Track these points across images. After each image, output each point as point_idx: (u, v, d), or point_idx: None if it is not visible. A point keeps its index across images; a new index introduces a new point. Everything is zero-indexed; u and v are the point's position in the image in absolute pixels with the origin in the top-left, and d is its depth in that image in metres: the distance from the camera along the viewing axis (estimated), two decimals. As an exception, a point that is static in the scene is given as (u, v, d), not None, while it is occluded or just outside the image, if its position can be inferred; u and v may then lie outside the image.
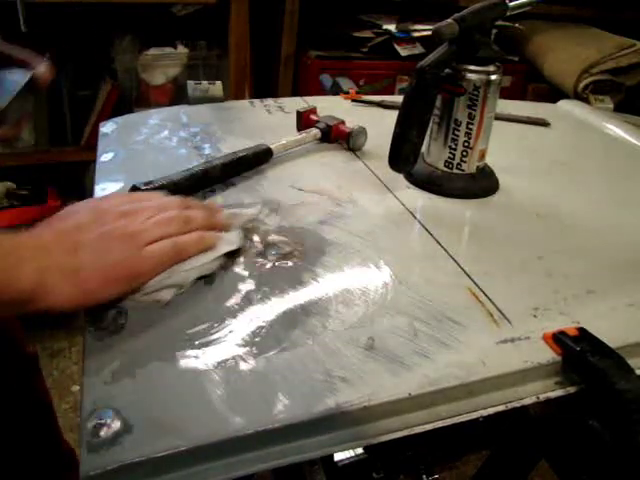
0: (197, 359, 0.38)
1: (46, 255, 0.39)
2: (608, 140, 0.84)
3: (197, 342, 0.39)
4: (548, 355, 0.40)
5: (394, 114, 0.60)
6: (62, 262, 0.39)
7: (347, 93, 0.94)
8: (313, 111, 0.76)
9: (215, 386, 0.36)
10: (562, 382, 0.40)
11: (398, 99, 0.68)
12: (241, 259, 0.49)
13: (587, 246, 0.55)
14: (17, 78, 0.59)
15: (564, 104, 0.98)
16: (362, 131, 0.72)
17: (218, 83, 0.86)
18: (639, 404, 0.36)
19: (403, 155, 0.61)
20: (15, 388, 0.70)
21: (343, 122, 0.73)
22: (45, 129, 1.59)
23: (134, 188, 0.56)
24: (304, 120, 0.75)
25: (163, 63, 1.63)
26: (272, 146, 0.67)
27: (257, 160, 0.65)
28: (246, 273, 0.47)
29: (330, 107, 0.80)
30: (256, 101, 0.90)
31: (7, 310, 0.40)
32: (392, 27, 1.74)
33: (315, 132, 0.73)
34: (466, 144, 0.61)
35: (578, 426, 0.42)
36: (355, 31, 1.77)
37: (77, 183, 1.72)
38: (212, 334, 0.40)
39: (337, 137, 0.73)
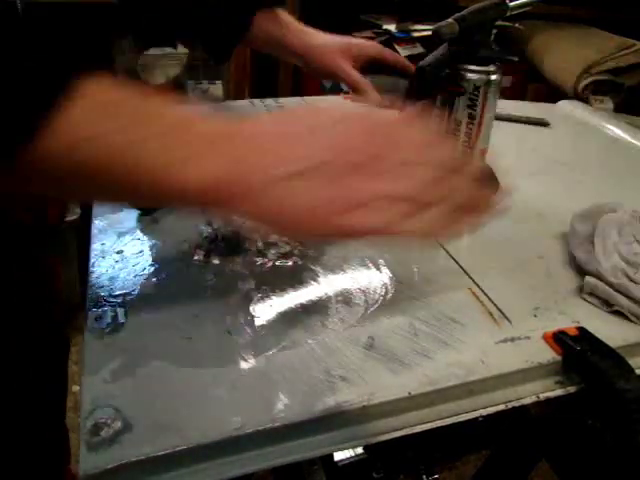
0: (197, 358, 0.38)
1: (242, 156, 0.33)
2: (608, 140, 0.84)
3: (197, 341, 0.39)
4: (548, 355, 0.40)
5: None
6: (251, 168, 0.32)
7: (347, 93, 0.94)
8: None
9: (215, 385, 0.36)
10: (562, 382, 0.40)
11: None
12: (241, 257, 0.49)
13: (587, 246, 0.55)
14: None
15: (564, 104, 0.98)
16: None
17: (218, 83, 0.86)
18: (639, 404, 0.36)
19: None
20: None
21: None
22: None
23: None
24: None
25: (163, 63, 1.63)
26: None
27: None
28: (246, 272, 0.47)
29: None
30: (256, 101, 0.90)
31: (184, 201, 0.34)
32: (392, 27, 1.75)
33: None
34: (466, 144, 0.61)
35: (578, 426, 0.42)
36: (355, 31, 1.77)
37: (77, 183, 1.71)
38: (212, 333, 0.40)
39: None
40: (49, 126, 0.28)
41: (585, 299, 0.46)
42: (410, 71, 0.71)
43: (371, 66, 0.77)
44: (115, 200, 0.47)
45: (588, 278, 0.47)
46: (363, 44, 0.78)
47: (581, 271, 0.49)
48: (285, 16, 0.75)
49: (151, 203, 0.48)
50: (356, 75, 0.74)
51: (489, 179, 0.60)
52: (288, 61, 0.81)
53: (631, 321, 0.44)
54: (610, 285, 0.45)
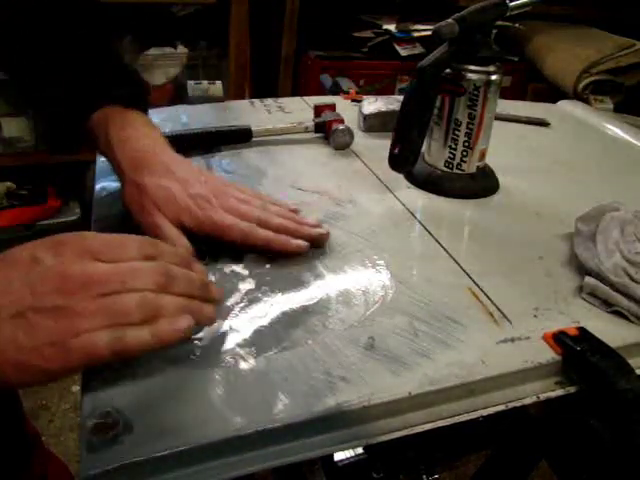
0: (197, 358, 0.38)
1: None
2: (608, 140, 0.84)
3: (197, 341, 0.39)
4: (548, 355, 0.40)
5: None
6: None
7: (347, 93, 0.94)
8: (330, 107, 0.76)
9: (215, 386, 0.36)
10: (562, 382, 0.40)
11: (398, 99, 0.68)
12: (240, 259, 0.49)
13: (587, 246, 0.55)
14: None
15: (564, 104, 0.98)
16: (346, 130, 0.72)
17: (218, 83, 0.86)
18: (639, 404, 0.36)
19: (403, 155, 0.61)
20: None
21: (342, 120, 0.73)
22: (45, 129, 1.59)
23: None
24: (317, 114, 0.76)
25: (163, 63, 1.63)
26: (254, 128, 0.71)
27: (236, 136, 0.70)
28: (246, 272, 0.47)
29: (330, 107, 0.80)
30: (256, 101, 0.90)
31: None
32: (392, 27, 1.75)
33: (307, 125, 0.73)
34: (466, 144, 0.61)
35: (578, 426, 0.42)
36: (355, 31, 1.77)
37: (77, 183, 1.72)
38: (212, 333, 0.40)
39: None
40: None
41: (585, 299, 0.46)
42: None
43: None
44: None
45: (588, 278, 0.47)
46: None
47: (581, 271, 0.49)
48: (125, 122, 0.55)
49: None
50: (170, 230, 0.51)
51: (489, 179, 0.60)
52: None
53: (631, 321, 0.44)
54: (611, 284, 0.45)
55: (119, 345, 0.33)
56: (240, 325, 0.41)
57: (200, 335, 0.40)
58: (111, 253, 0.36)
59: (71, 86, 0.57)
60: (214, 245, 0.48)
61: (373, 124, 0.79)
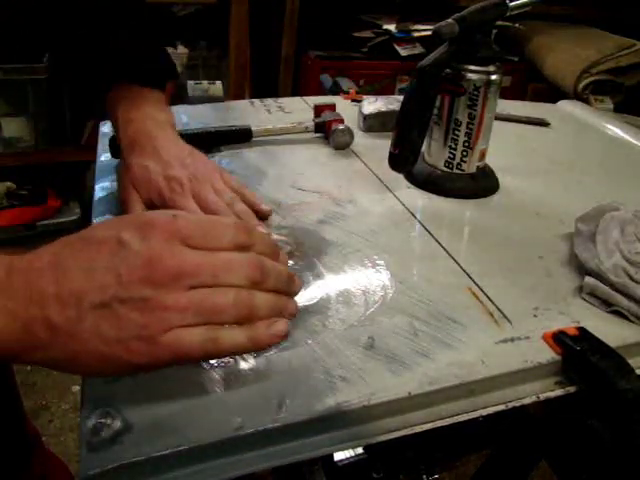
0: (197, 359, 0.38)
1: (38, 305, 0.30)
2: (608, 140, 0.84)
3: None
4: (548, 355, 0.40)
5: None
6: (55, 319, 0.30)
7: (347, 93, 0.94)
8: (330, 107, 0.76)
9: (215, 386, 0.36)
10: (562, 382, 0.40)
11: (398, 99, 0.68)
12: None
13: (587, 246, 0.55)
14: None
15: (564, 104, 0.98)
16: (346, 130, 0.72)
17: (218, 83, 0.86)
18: (639, 404, 0.36)
19: (403, 155, 0.61)
20: None
21: (342, 120, 0.73)
22: (45, 129, 1.59)
23: (114, 140, 0.58)
24: (317, 114, 0.76)
25: (163, 63, 1.63)
26: (254, 128, 0.72)
27: (236, 136, 0.71)
28: (246, 273, 0.47)
29: (330, 107, 0.80)
30: (256, 101, 0.90)
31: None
32: (392, 27, 1.75)
33: (307, 125, 0.73)
34: (466, 144, 0.61)
35: (578, 426, 0.42)
36: (355, 31, 1.77)
37: (77, 183, 1.72)
38: (212, 334, 0.40)
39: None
40: None
41: (585, 299, 0.46)
42: None
43: None
44: None
45: (588, 278, 0.47)
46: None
47: (581, 271, 0.49)
48: (136, 100, 0.58)
49: None
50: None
51: (489, 179, 0.60)
52: None
53: (631, 321, 0.44)
54: (611, 284, 0.45)
55: (212, 346, 0.32)
56: (240, 325, 0.41)
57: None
58: (203, 239, 0.33)
59: (92, 62, 0.59)
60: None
61: (373, 124, 0.79)
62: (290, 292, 0.37)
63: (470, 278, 0.48)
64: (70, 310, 0.30)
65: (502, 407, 0.39)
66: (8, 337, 0.30)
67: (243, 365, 0.37)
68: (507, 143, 0.77)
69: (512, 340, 0.41)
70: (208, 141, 0.70)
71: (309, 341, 0.40)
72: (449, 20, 0.55)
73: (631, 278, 0.45)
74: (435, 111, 0.61)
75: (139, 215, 0.36)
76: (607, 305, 0.45)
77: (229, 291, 0.33)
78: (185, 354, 0.31)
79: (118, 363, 0.31)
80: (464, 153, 0.61)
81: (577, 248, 0.50)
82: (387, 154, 0.62)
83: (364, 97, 0.89)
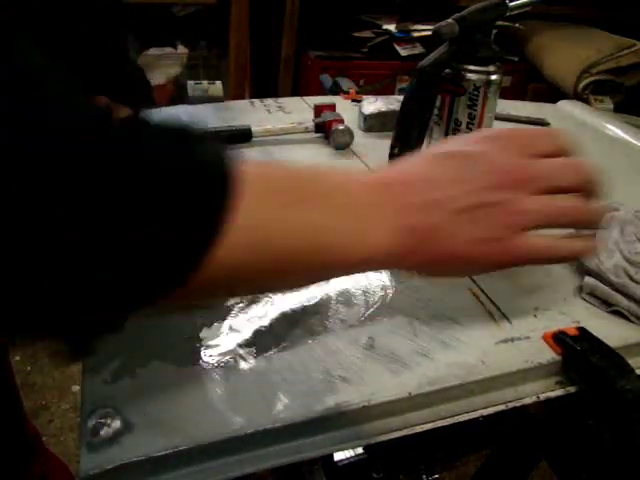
0: (197, 358, 0.38)
1: (404, 210, 0.33)
2: (608, 140, 0.84)
3: (197, 341, 0.39)
4: (548, 355, 0.40)
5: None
6: (418, 222, 0.33)
7: (347, 93, 0.94)
8: (330, 107, 0.76)
9: (215, 386, 0.36)
10: (562, 382, 0.40)
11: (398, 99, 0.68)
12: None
13: (587, 246, 0.55)
14: None
15: (564, 104, 0.98)
16: (346, 130, 0.72)
17: (218, 83, 0.86)
18: (639, 404, 0.36)
19: (403, 155, 0.61)
20: None
21: (342, 120, 0.73)
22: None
23: None
24: (317, 114, 0.76)
25: (163, 63, 1.63)
26: (254, 128, 0.71)
27: (236, 137, 0.71)
28: (246, 273, 0.47)
29: (330, 107, 0.80)
30: (256, 101, 0.90)
31: (350, 269, 0.35)
32: (392, 27, 1.75)
33: (307, 125, 0.73)
34: (466, 144, 0.61)
35: (578, 426, 0.42)
36: (355, 31, 1.77)
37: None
38: (212, 333, 0.40)
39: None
40: (226, 230, 0.26)
41: (585, 299, 0.46)
42: None
43: None
44: (293, 285, 0.40)
45: (587, 278, 0.47)
46: None
47: (581, 270, 0.49)
48: None
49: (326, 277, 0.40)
50: None
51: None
52: None
53: (631, 321, 0.44)
54: (610, 284, 0.45)
55: (553, 252, 0.37)
56: (240, 325, 0.41)
57: (200, 335, 0.40)
58: (536, 148, 0.38)
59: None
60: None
61: (373, 124, 0.79)
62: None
63: (470, 278, 0.48)
64: (434, 217, 0.34)
65: (502, 407, 0.39)
66: (385, 248, 0.33)
67: (243, 365, 0.37)
68: (507, 143, 0.77)
69: (512, 340, 0.41)
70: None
71: (309, 341, 0.40)
72: (449, 20, 0.55)
73: (631, 278, 0.45)
74: (435, 111, 0.61)
75: (488, 131, 0.43)
76: (607, 305, 0.45)
77: (567, 197, 0.37)
78: (533, 257, 0.36)
79: (479, 262, 0.35)
80: (464, 153, 0.61)
81: None
82: (387, 154, 0.62)
83: (364, 97, 0.89)
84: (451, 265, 0.35)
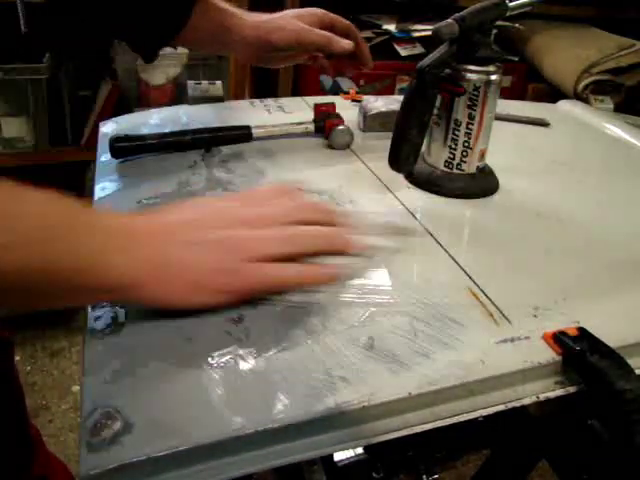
0: (197, 358, 0.38)
1: (138, 246, 0.37)
2: (608, 140, 0.84)
3: (197, 341, 0.39)
4: (548, 355, 0.40)
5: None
6: (152, 255, 0.37)
7: (347, 93, 0.94)
8: (330, 107, 0.76)
9: (215, 386, 0.36)
10: (562, 382, 0.40)
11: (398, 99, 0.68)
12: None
13: (587, 246, 0.55)
14: None
15: (564, 104, 0.98)
16: (346, 130, 0.71)
17: (218, 83, 0.86)
18: (639, 404, 0.36)
19: (403, 155, 0.61)
20: None
21: (342, 120, 0.73)
22: (45, 129, 1.59)
23: (114, 140, 0.61)
24: (317, 114, 0.76)
25: (163, 63, 1.63)
26: (254, 128, 0.72)
27: (236, 136, 0.71)
28: (246, 273, 0.47)
29: (330, 107, 0.80)
30: (256, 101, 0.90)
31: (90, 296, 0.38)
32: (392, 27, 1.74)
33: (306, 125, 0.73)
34: (466, 144, 0.61)
35: (578, 426, 0.42)
36: (355, 31, 1.77)
37: (77, 183, 1.72)
38: (212, 333, 0.40)
39: None
40: None
41: None
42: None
43: None
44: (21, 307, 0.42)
45: None
46: (314, 11, 0.73)
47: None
48: (222, 3, 0.69)
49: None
50: (320, 32, 0.68)
51: (489, 179, 0.60)
52: (238, 54, 0.74)
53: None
54: None
55: (286, 277, 0.41)
56: (240, 325, 0.41)
57: (200, 335, 0.40)
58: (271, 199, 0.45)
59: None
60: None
61: (373, 124, 0.79)
62: (333, 223, 0.45)
63: (470, 278, 0.48)
64: (169, 247, 0.38)
65: (502, 407, 0.39)
66: (117, 278, 0.36)
67: (243, 365, 0.37)
68: (507, 143, 0.77)
69: (512, 340, 0.41)
70: (208, 141, 0.70)
71: (309, 341, 0.40)
72: (449, 20, 0.55)
73: None
74: (435, 111, 0.61)
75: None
76: None
77: (309, 227, 0.43)
78: (269, 280, 0.40)
79: (217, 289, 0.39)
80: (464, 153, 0.61)
81: None
82: (387, 154, 0.62)
83: (364, 97, 0.89)
84: (190, 294, 0.38)
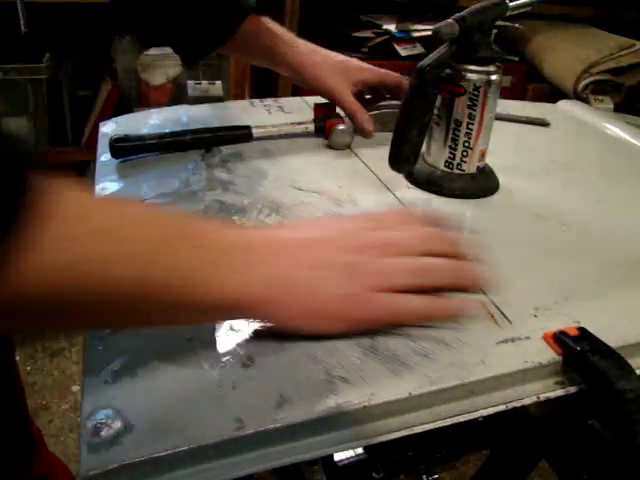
0: (197, 358, 0.38)
1: (257, 264, 0.34)
2: (608, 140, 0.84)
3: (197, 341, 0.39)
4: (548, 355, 0.40)
5: (394, 114, 0.60)
6: (273, 276, 0.35)
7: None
8: (330, 107, 0.76)
9: (215, 386, 0.36)
10: (562, 382, 0.40)
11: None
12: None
13: (587, 246, 0.55)
14: None
15: (564, 104, 0.98)
16: (346, 130, 0.71)
17: (218, 83, 0.86)
18: (639, 404, 0.36)
19: (403, 155, 0.61)
20: None
21: (342, 120, 0.73)
22: (45, 129, 1.59)
23: (114, 140, 0.62)
24: (317, 114, 0.76)
25: (163, 63, 1.63)
26: (254, 128, 0.71)
27: (236, 136, 0.71)
28: (246, 273, 0.47)
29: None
30: (256, 101, 0.90)
31: (195, 315, 0.35)
32: (392, 27, 1.74)
33: (306, 125, 0.73)
34: (466, 144, 0.61)
35: (578, 426, 0.42)
36: (355, 31, 1.77)
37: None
38: (212, 333, 0.40)
39: None
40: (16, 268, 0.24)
41: None
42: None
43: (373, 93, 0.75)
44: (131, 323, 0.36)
45: None
46: (362, 68, 0.74)
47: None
48: (274, 25, 0.70)
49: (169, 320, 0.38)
50: (351, 100, 0.70)
51: (489, 179, 0.60)
52: (278, 71, 0.75)
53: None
54: None
55: (415, 311, 0.39)
56: (240, 325, 0.41)
57: (200, 335, 0.40)
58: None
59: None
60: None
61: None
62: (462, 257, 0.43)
63: (470, 278, 0.48)
64: (290, 270, 0.36)
65: (502, 407, 0.39)
66: (237, 295, 0.34)
67: (243, 365, 0.37)
68: (507, 143, 0.77)
69: (512, 340, 0.41)
70: (208, 141, 0.70)
71: (309, 341, 0.40)
72: (449, 20, 0.55)
73: None
74: (435, 111, 0.61)
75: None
76: None
77: (437, 259, 0.40)
78: (393, 311, 0.38)
79: (336, 317, 0.37)
80: (464, 153, 0.61)
81: None
82: (387, 154, 0.62)
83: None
84: (311, 319, 0.37)
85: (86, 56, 1.59)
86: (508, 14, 0.58)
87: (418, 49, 1.72)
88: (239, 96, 1.64)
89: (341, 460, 0.68)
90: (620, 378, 0.37)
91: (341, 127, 0.71)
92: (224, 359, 0.38)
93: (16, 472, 0.71)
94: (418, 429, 0.37)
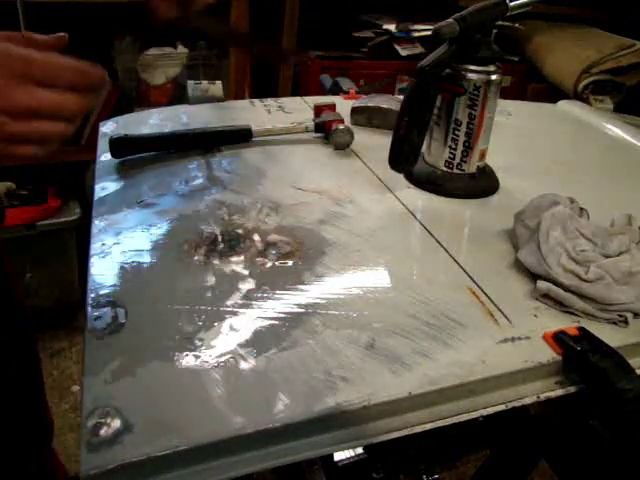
0: (197, 358, 0.38)
1: None
2: (608, 140, 0.84)
3: (197, 341, 0.39)
4: (548, 355, 0.40)
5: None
6: None
7: (347, 93, 0.94)
8: (330, 107, 0.76)
9: (215, 385, 0.36)
10: (562, 382, 0.40)
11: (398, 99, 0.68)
12: (242, 257, 0.49)
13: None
14: None
15: (564, 104, 0.98)
16: (346, 130, 0.72)
17: (218, 83, 0.86)
18: (639, 404, 0.36)
19: (403, 155, 0.61)
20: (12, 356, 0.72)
21: (342, 120, 0.73)
22: (45, 129, 1.59)
23: (114, 140, 0.63)
24: (317, 114, 0.76)
25: (163, 63, 1.63)
26: (254, 128, 0.71)
27: (236, 136, 0.71)
28: (246, 272, 0.47)
29: (330, 107, 0.80)
30: (256, 101, 0.90)
31: None
32: (392, 27, 1.74)
33: (306, 125, 0.73)
34: (466, 144, 0.61)
35: (578, 426, 0.42)
36: (355, 31, 1.77)
37: (77, 183, 1.72)
38: (212, 333, 0.40)
39: None
40: None
41: (539, 300, 0.46)
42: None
43: None
44: None
45: (540, 283, 0.45)
46: None
47: (531, 274, 0.48)
48: None
49: None
50: None
51: (489, 179, 0.60)
52: None
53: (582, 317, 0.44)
54: (563, 287, 0.44)
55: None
56: (240, 325, 0.41)
57: (201, 335, 0.40)
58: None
59: None
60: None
61: (358, 119, 0.80)
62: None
63: (470, 278, 0.48)
64: None
65: (502, 407, 0.39)
66: None
67: (243, 365, 0.37)
68: (507, 143, 0.77)
69: (512, 340, 0.41)
70: (208, 141, 0.70)
71: (309, 341, 0.40)
72: (449, 20, 0.55)
73: (581, 278, 0.44)
74: (435, 111, 0.61)
75: None
76: (562, 306, 0.44)
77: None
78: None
79: None
80: (464, 153, 0.61)
81: (520, 253, 0.49)
82: (387, 154, 0.62)
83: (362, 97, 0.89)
84: None
85: (86, 56, 1.59)
86: (508, 14, 0.58)
87: (418, 49, 1.72)
88: (239, 96, 1.64)
89: (341, 460, 0.68)
90: (620, 378, 0.37)
91: (341, 127, 0.71)
92: (224, 359, 0.38)
93: (35, 447, 0.74)
94: (418, 429, 0.37)
